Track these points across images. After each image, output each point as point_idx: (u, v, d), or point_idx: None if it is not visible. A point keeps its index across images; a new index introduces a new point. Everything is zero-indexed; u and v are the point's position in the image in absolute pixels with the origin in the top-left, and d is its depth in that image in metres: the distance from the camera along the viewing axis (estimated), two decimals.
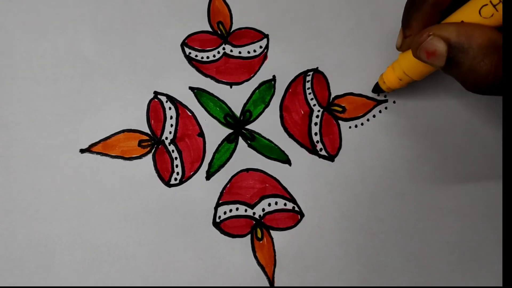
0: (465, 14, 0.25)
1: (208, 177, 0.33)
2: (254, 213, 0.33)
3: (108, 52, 0.35)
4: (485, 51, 0.23)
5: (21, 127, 0.33)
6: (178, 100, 0.34)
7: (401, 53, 0.30)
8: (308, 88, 0.35)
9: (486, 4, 0.24)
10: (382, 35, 0.35)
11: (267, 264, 0.32)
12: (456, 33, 0.24)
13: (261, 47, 0.35)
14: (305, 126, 0.34)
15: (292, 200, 0.33)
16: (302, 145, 0.34)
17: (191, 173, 0.33)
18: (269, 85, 0.35)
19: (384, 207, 0.33)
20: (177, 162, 0.33)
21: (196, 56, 0.35)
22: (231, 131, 0.34)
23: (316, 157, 0.34)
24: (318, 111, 0.34)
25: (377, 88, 0.33)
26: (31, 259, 0.31)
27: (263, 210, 0.33)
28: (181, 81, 0.35)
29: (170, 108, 0.34)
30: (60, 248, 0.32)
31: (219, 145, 0.34)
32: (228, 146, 0.34)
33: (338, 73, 0.35)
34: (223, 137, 0.34)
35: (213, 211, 0.33)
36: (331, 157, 0.34)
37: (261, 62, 0.35)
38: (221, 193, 0.33)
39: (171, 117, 0.34)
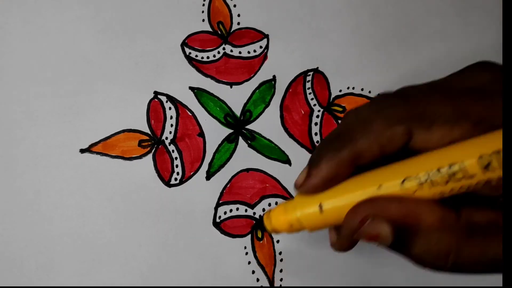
0: (385, 178, 0.21)
1: (208, 177, 0.33)
2: (254, 213, 0.33)
3: (108, 52, 0.35)
4: (439, 233, 0.20)
5: (21, 127, 0.33)
6: (178, 100, 0.34)
7: (300, 195, 0.23)
8: (309, 88, 0.35)
9: (411, 177, 0.20)
10: (382, 35, 0.35)
11: (267, 264, 0.32)
12: (400, 213, 0.20)
13: (261, 47, 0.35)
14: (306, 126, 0.34)
15: None
16: (302, 145, 0.34)
17: (191, 173, 0.33)
18: (269, 85, 0.35)
19: None
20: (177, 162, 0.33)
21: (196, 56, 0.35)
22: (231, 131, 0.34)
23: None
24: (319, 111, 0.34)
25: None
26: (31, 259, 0.31)
27: (263, 210, 0.33)
28: (181, 81, 0.35)
29: (170, 108, 0.34)
30: (60, 248, 0.32)
31: (219, 145, 0.34)
32: (228, 146, 0.34)
33: (338, 73, 0.35)
34: (223, 137, 0.34)
35: (213, 211, 0.33)
36: None
37: (261, 62, 0.35)
38: (221, 193, 0.33)
39: (171, 117, 0.34)
